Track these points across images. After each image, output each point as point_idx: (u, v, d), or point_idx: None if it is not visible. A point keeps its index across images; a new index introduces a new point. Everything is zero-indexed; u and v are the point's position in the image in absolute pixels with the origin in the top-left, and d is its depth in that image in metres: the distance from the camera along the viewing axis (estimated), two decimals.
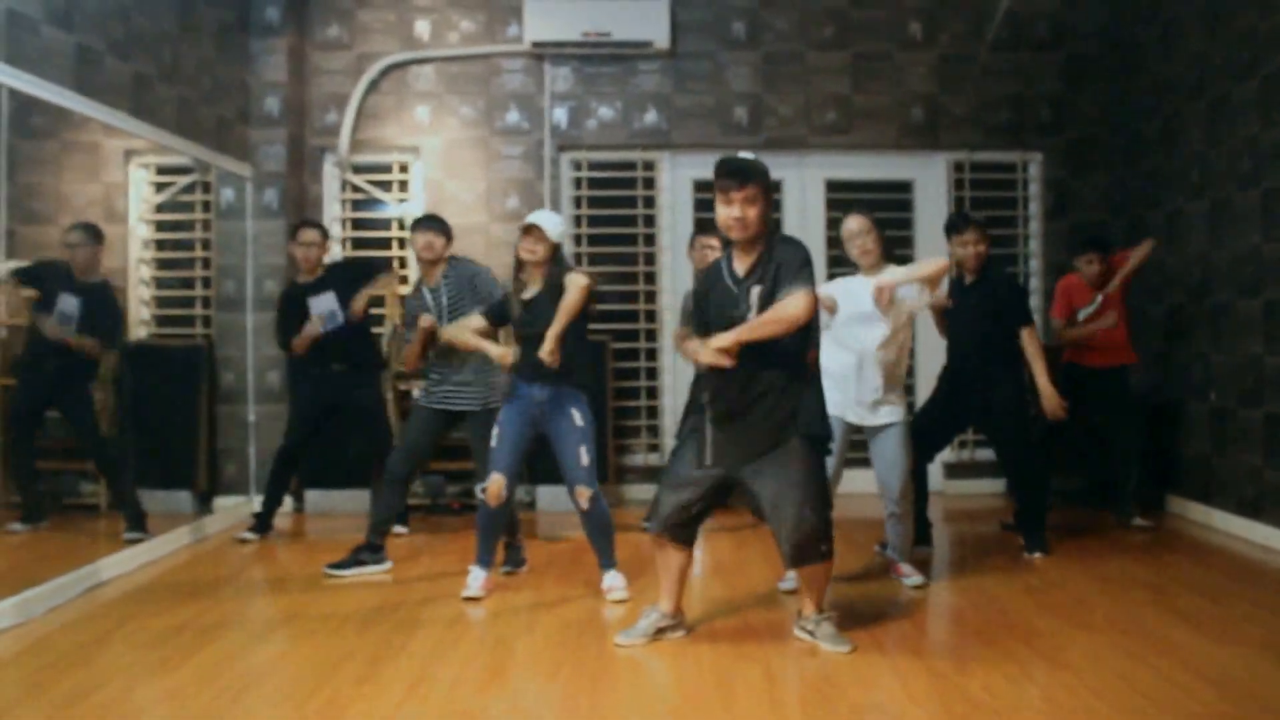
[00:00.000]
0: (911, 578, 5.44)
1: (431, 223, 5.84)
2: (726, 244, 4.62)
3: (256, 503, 7.39)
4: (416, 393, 5.89)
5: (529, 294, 5.28)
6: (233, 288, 7.56)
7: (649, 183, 8.21)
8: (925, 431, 6.02)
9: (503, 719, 3.69)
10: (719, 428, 4.35)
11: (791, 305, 4.11)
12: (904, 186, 8.30)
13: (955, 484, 8.03)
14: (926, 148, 8.22)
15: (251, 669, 4.20)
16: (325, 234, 6.74)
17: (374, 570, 5.79)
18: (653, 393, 8.14)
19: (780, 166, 8.14)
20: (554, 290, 5.20)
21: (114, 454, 6.63)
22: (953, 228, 6.13)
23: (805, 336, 4.29)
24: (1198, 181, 7.12)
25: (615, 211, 8.11)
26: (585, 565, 5.82)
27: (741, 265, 4.34)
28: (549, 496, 7.51)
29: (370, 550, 5.82)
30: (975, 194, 8.23)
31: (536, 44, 7.88)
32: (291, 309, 6.63)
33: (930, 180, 8.26)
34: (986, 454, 8.03)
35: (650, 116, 8.09)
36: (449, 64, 8.05)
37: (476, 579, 5.33)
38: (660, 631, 4.53)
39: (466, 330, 5.37)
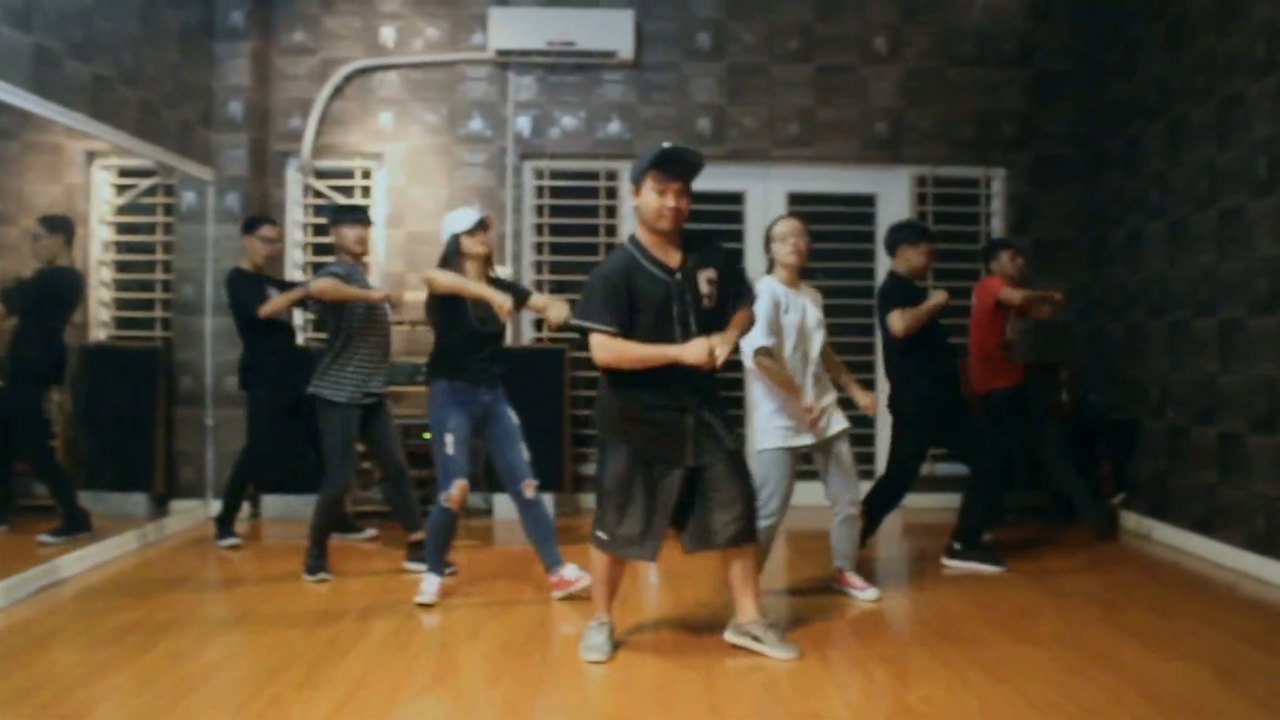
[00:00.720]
0: (866, 592, 5.44)
1: (364, 215, 5.97)
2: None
3: (214, 506, 7.43)
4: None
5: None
6: (192, 291, 7.56)
7: (611, 192, 8.23)
8: (913, 448, 6.10)
9: None
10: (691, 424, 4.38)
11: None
12: (867, 200, 8.31)
13: (913, 498, 8.01)
14: (890, 162, 8.23)
15: (197, 670, 4.23)
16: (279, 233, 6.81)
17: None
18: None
19: (743, 178, 8.20)
20: (504, 287, 5.37)
21: (48, 458, 6.60)
22: (921, 236, 6.11)
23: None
24: (1157, 201, 7.15)
25: (577, 220, 8.12)
26: (534, 572, 5.84)
27: (666, 255, 4.33)
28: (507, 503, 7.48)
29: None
30: (938, 208, 8.24)
31: (501, 52, 7.89)
32: (255, 286, 6.64)
33: (893, 194, 8.27)
34: (946, 469, 8.04)
35: (614, 126, 8.11)
36: (413, 71, 8.07)
37: (431, 585, 5.34)
38: (613, 637, 4.54)
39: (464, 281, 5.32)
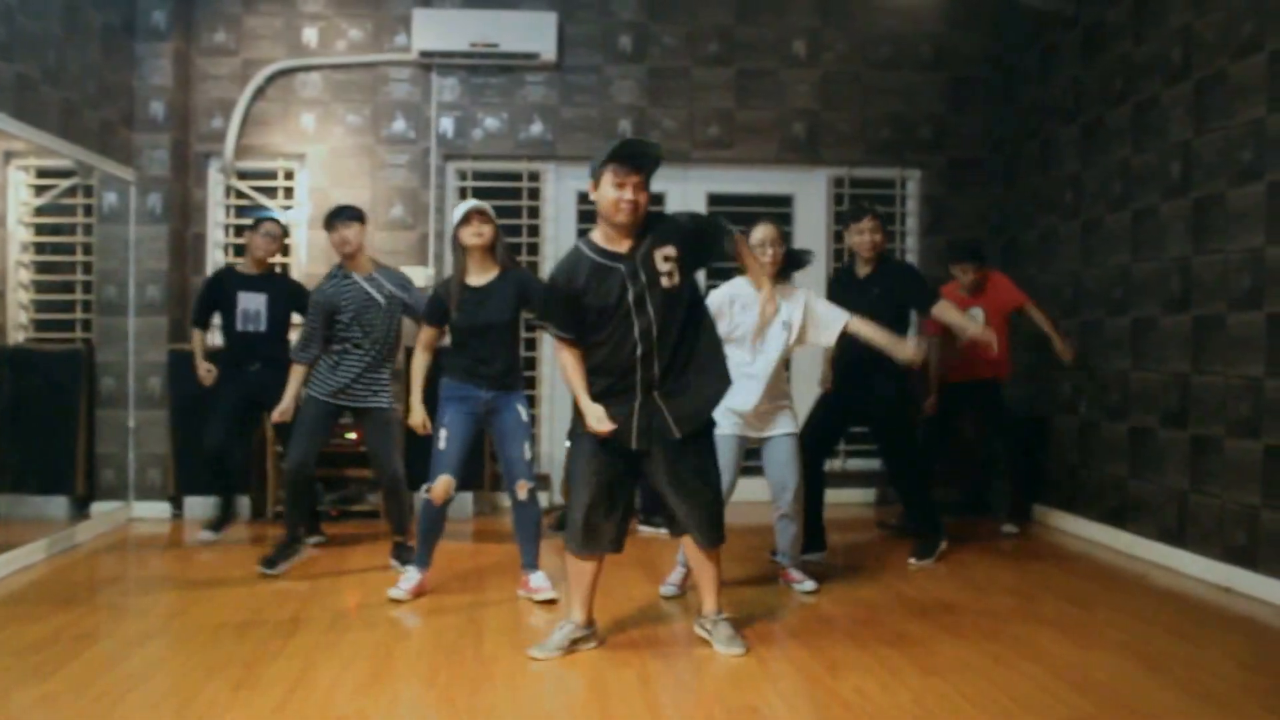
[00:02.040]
0: (804, 584, 5.57)
1: (344, 214, 5.92)
2: None
3: (136, 508, 7.47)
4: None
5: (477, 281, 5.34)
6: (114, 292, 7.51)
7: (534, 193, 8.30)
8: (815, 433, 6.17)
9: None
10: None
11: None
12: (785, 201, 8.45)
13: (829, 493, 8.15)
14: (807, 163, 8.38)
15: (128, 675, 4.18)
16: (285, 231, 6.75)
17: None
18: (532, 401, 8.21)
19: (663, 180, 8.14)
20: (512, 280, 5.36)
21: None
22: (851, 216, 6.26)
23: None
24: (1071, 202, 7.35)
25: (500, 221, 8.00)
26: (466, 570, 5.93)
27: (619, 245, 4.30)
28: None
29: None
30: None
31: (424, 53, 7.92)
32: (217, 294, 6.67)
33: (810, 195, 8.43)
34: (858, 463, 8.22)
35: (536, 128, 8.17)
36: (336, 72, 8.08)
37: (409, 580, 5.41)
38: (575, 643, 4.52)
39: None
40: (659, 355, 4.30)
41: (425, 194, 8.08)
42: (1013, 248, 8.18)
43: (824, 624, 5.01)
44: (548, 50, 7.97)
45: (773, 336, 5.34)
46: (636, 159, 4.19)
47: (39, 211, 7.60)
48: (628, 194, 4.17)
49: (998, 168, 8.44)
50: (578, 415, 4.45)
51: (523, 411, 5.40)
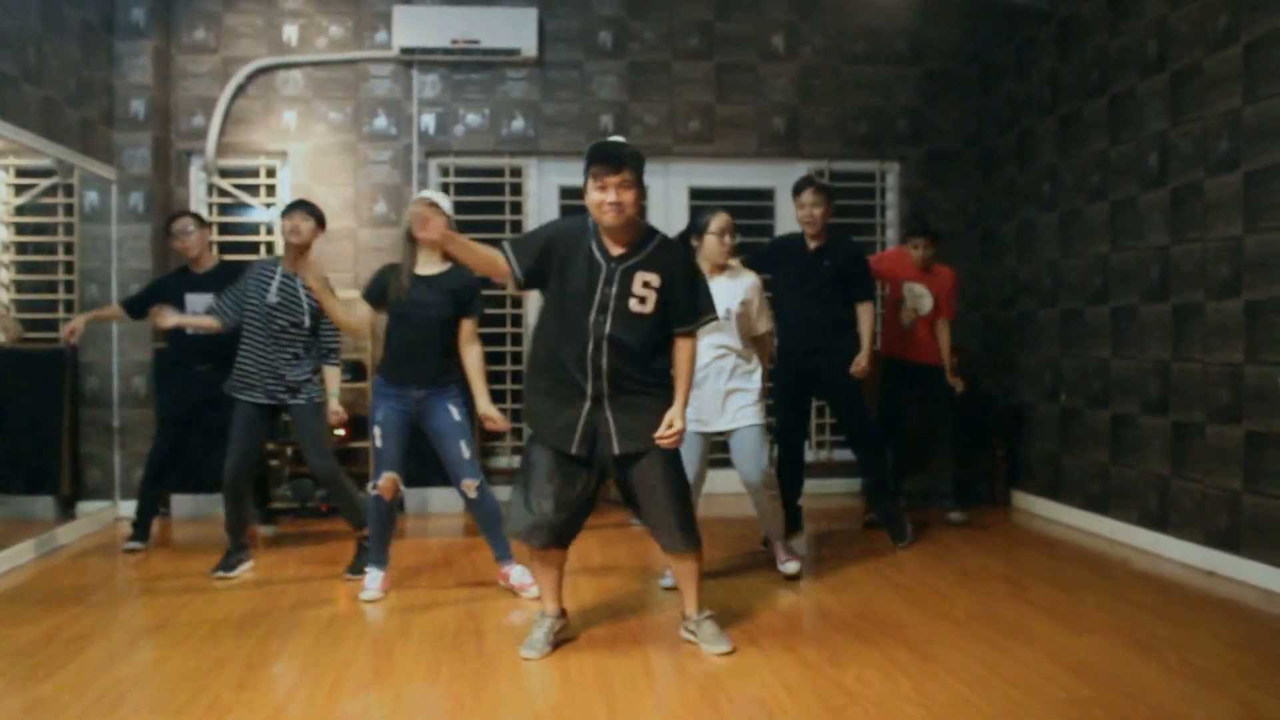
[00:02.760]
0: (788, 564, 5.63)
1: (303, 206, 5.80)
2: None
3: (123, 508, 7.42)
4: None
5: (429, 271, 5.32)
6: (97, 291, 7.49)
7: (516, 189, 8.33)
8: (783, 418, 6.26)
9: None
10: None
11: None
12: (765, 194, 8.52)
13: (814, 483, 8.21)
14: (788, 156, 8.45)
15: (126, 676, 4.16)
16: (201, 222, 6.62)
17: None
18: (518, 395, 8.24)
19: (646, 175, 8.25)
20: (457, 276, 5.33)
21: None
22: (795, 190, 6.40)
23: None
24: (1049, 194, 7.44)
25: (483, 217, 8.14)
26: (458, 566, 5.95)
27: (614, 246, 4.27)
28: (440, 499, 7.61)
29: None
30: (835, 202, 8.37)
31: (405, 50, 7.94)
32: (163, 292, 6.44)
33: (790, 188, 8.45)
34: (845, 454, 8.26)
35: (517, 124, 8.21)
36: (317, 69, 8.09)
37: (374, 580, 5.40)
38: (557, 635, 4.52)
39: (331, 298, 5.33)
40: (612, 367, 4.26)
41: (408, 190, 8.09)
42: (992, 239, 8.28)
43: (822, 615, 5.05)
44: (528, 46, 8.00)
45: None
46: (611, 160, 4.15)
47: (20, 211, 7.56)
48: (610, 195, 4.14)
49: (975, 160, 8.54)
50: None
51: (454, 410, 5.33)
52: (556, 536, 4.46)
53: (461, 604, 5.24)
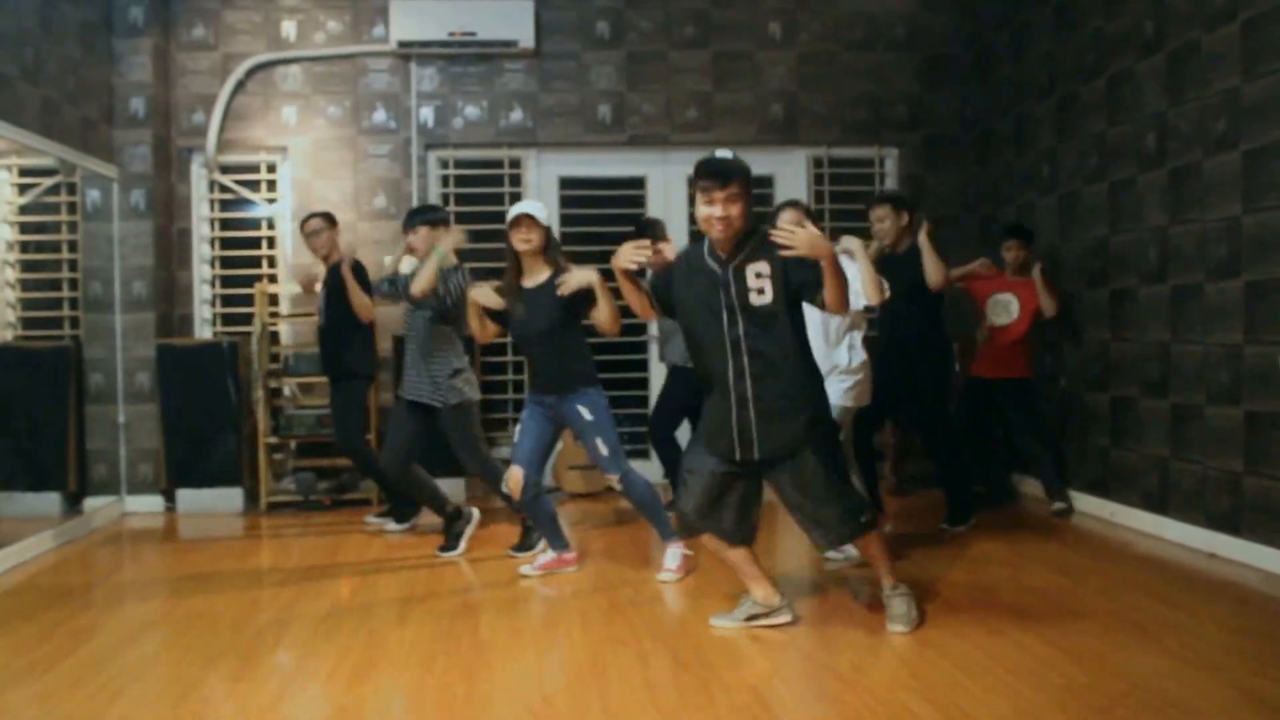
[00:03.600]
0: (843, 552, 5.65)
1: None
2: None
3: (129, 503, 7.54)
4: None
5: (532, 283, 5.41)
6: (100, 289, 7.53)
7: (515, 180, 8.34)
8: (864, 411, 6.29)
9: (382, 712, 3.72)
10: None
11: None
12: (764, 181, 8.50)
13: None
14: (786, 144, 8.45)
15: (125, 670, 4.19)
16: (330, 221, 6.83)
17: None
18: (519, 386, 8.27)
19: (643, 164, 8.38)
20: (558, 277, 5.35)
21: None
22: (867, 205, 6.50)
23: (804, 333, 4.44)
24: (1047, 177, 7.43)
25: (483, 209, 8.16)
26: (447, 558, 5.95)
27: (724, 251, 4.32)
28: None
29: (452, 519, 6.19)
30: (834, 188, 8.50)
31: (403, 44, 7.96)
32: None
33: (790, 175, 8.49)
34: None
35: (516, 115, 8.22)
36: (316, 64, 8.11)
37: (543, 559, 5.67)
38: (753, 618, 4.57)
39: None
40: (749, 369, 4.31)
41: (408, 184, 8.12)
42: (991, 224, 8.26)
43: (820, 601, 5.07)
44: (525, 38, 8.02)
45: None
46: (718, 175, 4.20)
47: (23, 210, 7.61)
48: (717, 210, 4.19)
49: (973, 145, 8.53)
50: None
51: (584, 411, 5.39)
52: (734, 535, 4.58)
53: (460, 594, 5.26)
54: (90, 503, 7.38)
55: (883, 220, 6.31)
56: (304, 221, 6.83)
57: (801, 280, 4.23)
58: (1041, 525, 6.71)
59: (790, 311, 4.31)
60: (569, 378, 5.40)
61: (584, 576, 5.53)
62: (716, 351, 4.34)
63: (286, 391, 7.81)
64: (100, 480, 7.54)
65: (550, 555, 5.64)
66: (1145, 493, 6.37)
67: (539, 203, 5.61)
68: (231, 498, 7.47)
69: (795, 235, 4.10)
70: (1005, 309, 7.08)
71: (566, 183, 8.36)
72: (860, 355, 5.68)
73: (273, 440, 7.53)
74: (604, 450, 5.40)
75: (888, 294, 5.33)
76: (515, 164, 8.33)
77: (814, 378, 4.41)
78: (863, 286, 5.25)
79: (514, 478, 5.42)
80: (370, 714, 3.71)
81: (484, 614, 4.88)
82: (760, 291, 4.27)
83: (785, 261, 4.22)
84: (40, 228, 7.70)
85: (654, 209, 8.27)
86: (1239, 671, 3.95)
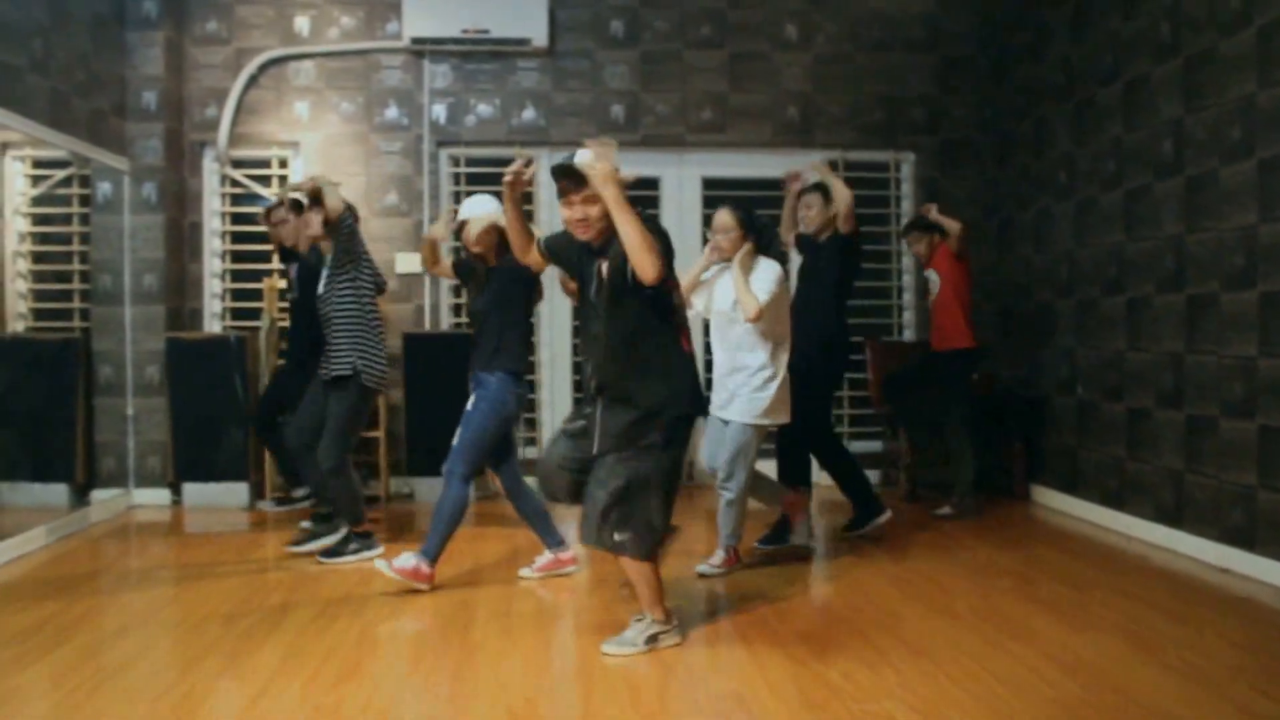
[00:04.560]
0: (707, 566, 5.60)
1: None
2: None
3: (136, 495, 7.57)
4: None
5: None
6: (110, 281, 7.54)
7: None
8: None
9: (358, 713, 3.70)
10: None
11: (651, 250, 4.01)
12: (779, 184, 8.40)
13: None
14: (801, 146, 8.36)
15: (108, 665, 4.18)
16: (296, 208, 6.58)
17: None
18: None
19: (657, 164, 8.31)
20: (508, 272, 5.38)
21: None
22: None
23: (675, 320, 4.33)
24: (1065, 182, 7.35)
25: None
26: (458, 556, 5.88)
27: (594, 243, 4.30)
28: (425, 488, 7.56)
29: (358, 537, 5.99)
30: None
31: (416, 40, 7.93)
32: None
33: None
34: (859, 445, 8.19)
35: (528, 113, 8.19)
36: (329, 60, 8.09)
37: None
38: (653, 639, 4.36)
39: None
40: (603, 363, 4.30)
41: (419, 181, 8.09)
42: (1007, 228, 8.19)
43: (817, 607, 5.04)
44: (539, 36, 7.98)
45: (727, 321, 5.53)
46: (572, 177, 4.16)
47: (35, 202, 7.62)
48: (575, 212, 4.20)
49: (990, 148, 8.44)
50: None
51: (473, 396, 5.38)
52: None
53: (455, 593, 5.24)
54: (97, 495, 7.39)
55: (810, 208, 6.32)
56: (269, 211, 6.83)
57: (624, 260, 4.13)
58: (1052, 535, 6.64)
59: (635, 302, 4.22)
60: (483, 355, 5.38)
61: (581, 579, 5.50)
62: (587, 340, 4.40)
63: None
64: (108, 472, 7.55)
65: (547, 556, 5.57)
66: (1159, 505, 6.27)
67: (489, 198, 5.55)
68: (238, 492, 7.46)
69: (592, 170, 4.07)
70: (933, 284, 7.19)
71: None
72: (768, 371, 5.49)
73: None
74: (456, 440, 5.30)
75: (755, 315, 5.30)
76: (527, 163, 8.24)
77: (663, 378, 4.27)
78: (739, 297, 5.34)
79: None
80: (347, 713, 3.68)
81: (478, 614, 4.85)
82: (602, 285, 4.29)
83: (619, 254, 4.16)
84: (51, 220, 7.71)
85: (668, 210, 8.23)
86: (1241, 689, 3.88)
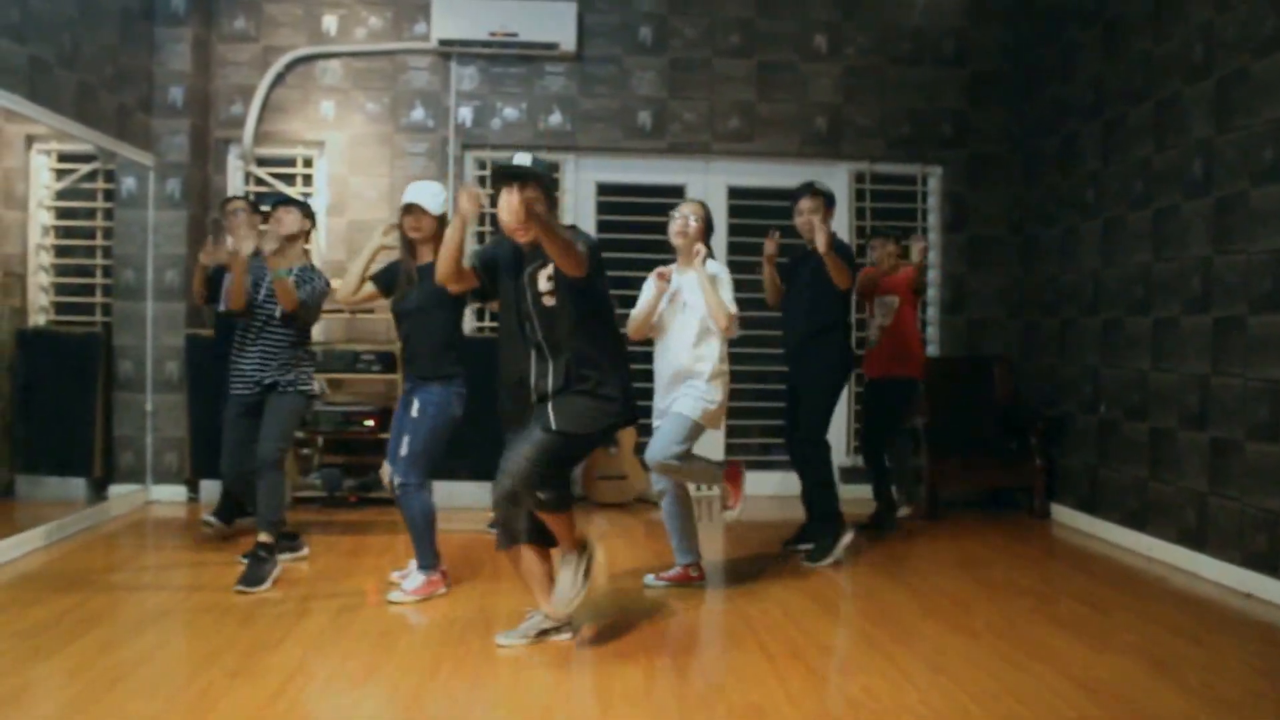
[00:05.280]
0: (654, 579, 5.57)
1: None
2: None
3: (154, 491, 7.56)
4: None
5: (424, 261, 5.27)
6: (132, 277, 7.55)
7: (552, 184, 8.20)
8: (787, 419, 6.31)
9: (377, 715, 3.70)
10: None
11: (579, 245, 4.18)
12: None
13: (850, 489, 8.05)
14: (828, 157, 8.34)
15: (126, 660, 4.18)
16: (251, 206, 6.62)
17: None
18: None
19: (683, 172, 8.29)
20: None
21: None
22: (793, 197, 6.34)
23: (610, 318, 4.45)
24: (1092, 200, 7.29)
25: None
26: (469, 561, 5.89)
27: (527, 248, 4.36)
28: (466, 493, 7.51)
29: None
30: (875, 204, 8.38)
31: (444, 42, 7.92)
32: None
33: (832, 189, 8.33)
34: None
35: (555, 118, 8.17)
36: (355, 59, 8.08)
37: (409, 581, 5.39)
38: (544, 633, 4.51)
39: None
40: (547, 367, 4.34)
41: (444, 183, 8.05)
42: (1033, 245, 8.13)
43: (836, 621, 5.00)
44: (567, 41, 7.96)
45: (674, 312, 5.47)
46: (512, 179, 4.23)
47: (60, 195, 7.64)
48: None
49: (1018, 164, 8.39)
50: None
51: (416, 404, 5.23)
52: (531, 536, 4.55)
53: (474, 599, 5.20)
54: (114, 490, 7.40)
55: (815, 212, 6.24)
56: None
57: (570, 283, 4.27)
58: (1073, 555, 6.58)
59: (574, 299, 4.29)
60: (424, 361, 5.27)
61: (592, 592, 5.40)
62: (517, 348, 4.46)
63: (315, 387, 7.76)
64: (126, 468, 7.55)
65: (414, 570, 5.36)
66: (1182, 528, 6.21)
67: (435, 185, 5.43)
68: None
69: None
70: (889, 309, 7.05)
71: (604, 189, 8.29)
72: (712, 367, 5.43)
73: (300, 435, 7.49)
74: (404, 450, 5.19)
75: (727, 324, 5.35)
76: (553, 168, 8.16)
77: (597, 366, 4.34)
78: (711, 308, 5.36)
79: (383, 473, 5.32)
80: (367, 715, 3.68)
81: (498, 620, 4.79)
82: (550, 294, 4.29)
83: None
84: (75, 214, 7.72)
85: None
86: (1258, 713, 3.85)
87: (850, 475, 7.95)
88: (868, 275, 7.10)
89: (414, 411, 5.22)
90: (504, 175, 4.25)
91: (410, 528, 5.25)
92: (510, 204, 4.18)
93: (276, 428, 5.61)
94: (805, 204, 6.19)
